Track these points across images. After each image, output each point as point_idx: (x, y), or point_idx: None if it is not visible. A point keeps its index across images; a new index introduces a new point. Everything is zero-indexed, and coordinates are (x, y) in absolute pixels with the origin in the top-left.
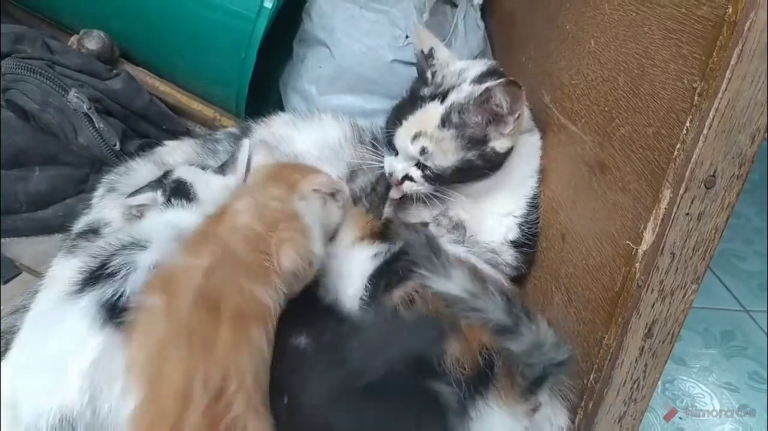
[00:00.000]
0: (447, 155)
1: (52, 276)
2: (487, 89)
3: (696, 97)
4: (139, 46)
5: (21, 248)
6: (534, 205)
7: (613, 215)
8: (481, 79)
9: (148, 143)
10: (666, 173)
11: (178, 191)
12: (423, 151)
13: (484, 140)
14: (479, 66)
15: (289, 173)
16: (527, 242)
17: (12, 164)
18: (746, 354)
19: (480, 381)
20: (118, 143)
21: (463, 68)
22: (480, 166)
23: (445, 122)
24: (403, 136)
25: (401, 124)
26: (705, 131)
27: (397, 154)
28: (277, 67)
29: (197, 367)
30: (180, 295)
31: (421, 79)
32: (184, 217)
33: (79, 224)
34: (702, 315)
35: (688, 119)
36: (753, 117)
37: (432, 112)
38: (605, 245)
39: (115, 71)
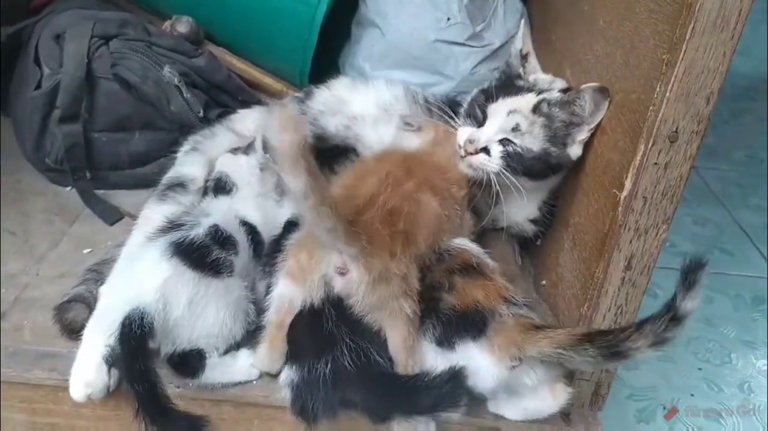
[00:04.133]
0: (535, 140)
1: (143, 217)
2: (579, 89)
3: (664, 67)
4: (220, 29)
5: (124, 199)
6: (555, 196)
7: (606, 170)
8: (566, 91)
9: (226, 112)
10: (642, 131)
11: (219, 188)
12: (516, 127)
13: (564, 142)
14: (562, 82)
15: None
16: (545, 220)
17: (117, 128)
18: None
19: (471, 326)
20: (201, 111)
21: (552, 80)
22: (553, 164)
23: (536, 109)
24: (499, 109)
25: (496, 100)
26: (668, 94)
27: (478, 126)
28: (337, 47)
29: (384, 190)
30: (386, 158)
31: (516, 73)
32: (235, 202)
33: (167, 176)
34: (736, 281)
35: (659, 85)
36: (707, 82)
37: (528, 99)
38: (600, 195)
39: (200, 51)
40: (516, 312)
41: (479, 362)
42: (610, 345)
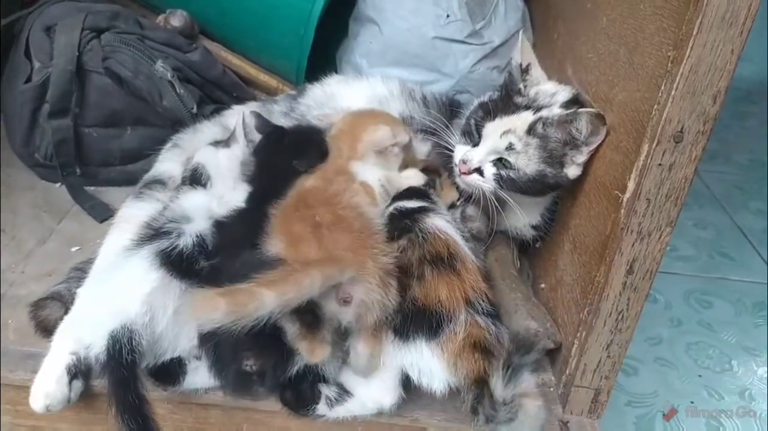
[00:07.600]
0: (530, 161)
1: (121, 215)
2: (576, 112)
3: (669, 64)
4: (215, 24)
5: (115, 196)
6: (556, 201)
7: (609, 171)
8: (568, 105)
9: (220, 108)
10: (646, 131)
11: (194, 179)
12: (510, 146)
13: (561, 162)
14: (567, 92)
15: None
16: (545, 226)
17: (108, 123)
18: None
19: (427, 324)
20: (195, 107)
21: (554, 91)
22: (551, 184)
23: (531, 129)
24: (494, 129)
25: (493, 119)
26: (673, 93)
27: (474, 145)
28: (334, 43)
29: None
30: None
31: (515, 89)
32: (206, 198)
33: (147, 174)
34: (737, 287)
35: (663, 83)
36: (714, 80)
37: (523, 118)
38: (601, 197)
39: (194, 45)
40: (472, 321)
41: (430, 364)
42: (477, 398)
